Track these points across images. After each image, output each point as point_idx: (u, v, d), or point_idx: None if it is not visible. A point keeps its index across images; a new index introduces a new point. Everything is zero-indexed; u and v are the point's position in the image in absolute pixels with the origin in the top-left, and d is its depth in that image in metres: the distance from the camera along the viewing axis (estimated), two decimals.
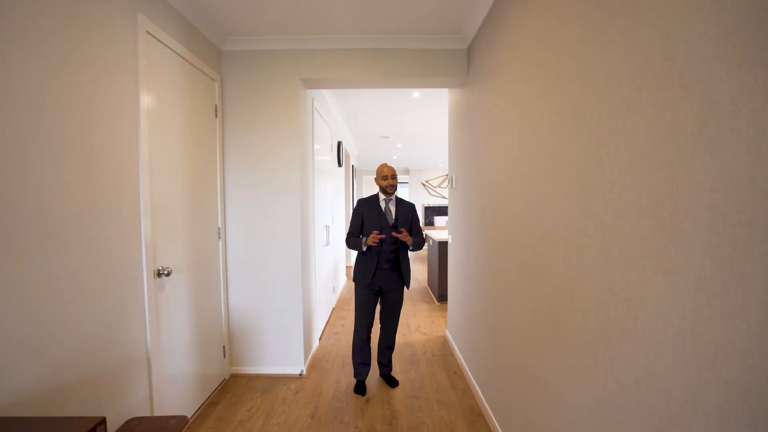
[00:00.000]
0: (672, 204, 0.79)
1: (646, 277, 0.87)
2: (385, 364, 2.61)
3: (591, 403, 1.10)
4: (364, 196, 13.29)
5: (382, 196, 2.54)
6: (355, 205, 2.56)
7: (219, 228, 2.52)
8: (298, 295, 2.65)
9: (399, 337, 3.43)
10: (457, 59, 2.61)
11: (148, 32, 1.73)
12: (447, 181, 13.40)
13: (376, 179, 2.54)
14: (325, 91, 3.80)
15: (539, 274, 1.47)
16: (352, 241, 2.51)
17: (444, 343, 3.27)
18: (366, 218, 2.49)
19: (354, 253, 8.08)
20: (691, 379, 0.75)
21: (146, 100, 1.72)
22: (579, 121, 1.17)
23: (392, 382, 2.54)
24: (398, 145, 7.69)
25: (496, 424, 1.97)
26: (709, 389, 0.71)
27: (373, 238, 2.33)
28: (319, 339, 3.36)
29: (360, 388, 2.47)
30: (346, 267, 6.88)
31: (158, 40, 1.83)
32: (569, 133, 1.23)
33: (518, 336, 1.69)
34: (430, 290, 5.10)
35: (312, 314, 3.04)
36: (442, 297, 4.52)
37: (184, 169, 2.09)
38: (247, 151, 2.60)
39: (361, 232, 2.51)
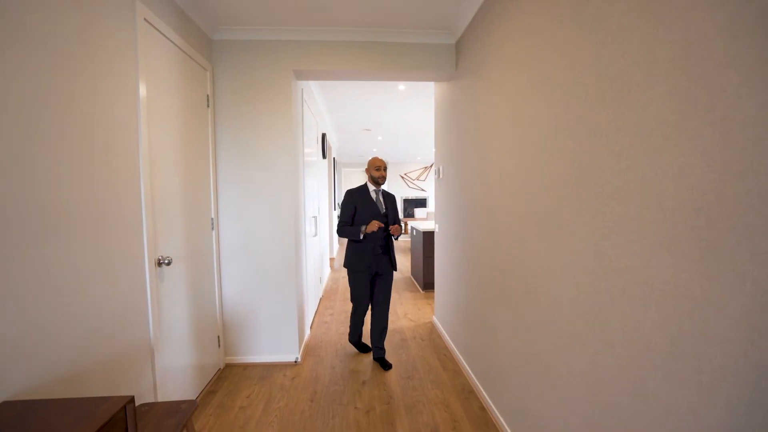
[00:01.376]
0: (657, 185, 0.92)
1: (634, 250, 1.00)
2: (381, 347, 2.72)
3: (580, 371, 1.24)
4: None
5: (372, 187, 2.72)
6: (343, 195, 2.68)
7: (212, 218, 2.52)
8: (292, 284, 2.69)
9: (390, 324, 3.54)
10: (445, 54, 2.71)
11: (145, 20, 1.72)
12: (426, 173, 13.52)
13: (368, 170, 2.72)
14: (311, 82, 3.80)
15: (532, 256, 1.59)
16: (346, 230, 2.64)
17: (432, 329, 3.41)
18: (359, 207, 2.65)
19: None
20: (672, 333, 0.88)
21: (145, 89, 1.71)
22: (572, 114, 1.29)
23: (386, 366, 2.65)
24: (379, 138, 7.75)
25: (488, 399, 2.11)
26: (689, 340, 0.84)
27: (373, 226, 2.52)
28: (310, 327, 3.41)
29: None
30: (330, 259, 6.92)
31: (155, 27, 1.81)
32: (562, 126, 1.35)
33: (509, 317, 1.82)
34: (414, 279, 5.24)
35: (304, 303, 3.09)
36: (426, 285, 4.66)
37: (180, 159, 2.09)
38: (239, 142, 2.60)
39: (353, 221, 2.63)
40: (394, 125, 6.37)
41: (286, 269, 2.68)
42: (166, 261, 1.83)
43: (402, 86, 4.03)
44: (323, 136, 4.86)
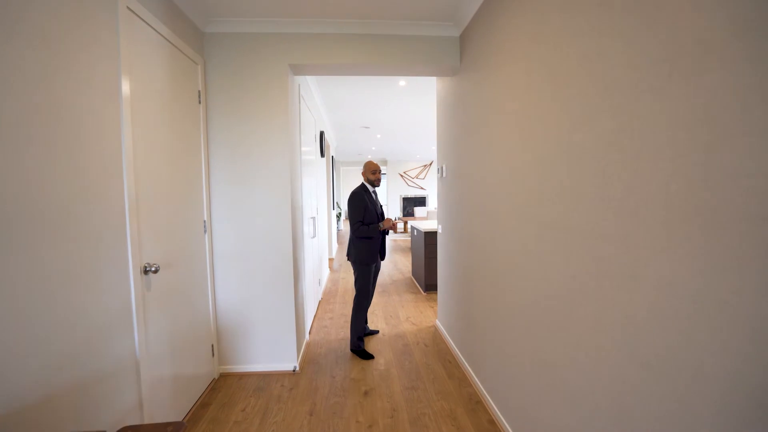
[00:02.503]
0: (684, 184, 0.80)
1: (677, 259, 0.87)
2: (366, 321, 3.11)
3: (603, 385, 1.12)
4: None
5: (370, 188, 2.96)
6: (352, 198, 2.86)
7: (205, 221, 2.39)
8: (290, 289, 2.56)
9: (389, 328, 3.42)
10: (449, 47, 2.58)
11: (128, 8, 1.58)
12: (425, 171, 13.45)
13: (364, 173, 2.96)
14: (309, 79, 3.67)
15: (546, 261, 1.47)
16: (365, 229, 2.82)
17: (435, 333, 3.29)
18: (368, 207, 2.85)
19: (335, 245, 8.01)
20: (672, 296, 0.76)
21: (128, 84, 1.58)
22: (592, 110, 1.16)
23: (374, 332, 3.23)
24: (378, 136, 7.63)
25: (497, 411, 1.99)
26: (683, 301, 0.72)
27: (388, 223, 2.88)
28: (309, 333, 3.29)
29: (367, 354, 2.85)
30: (329, 259, 6.80)
31: (139, 17, 1.68)
32: (581, 123, 1.23)
33: (519, 322, 1.70)
34: (415, 280, 5.12)
35: (303, 308, 2.97)
36: (429, 287, 4.54)
37: (168, 159, 1.96)
38: (233, 141, 2.47)
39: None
40: (394, 123, 6.24)
41: (283, 273, 2.55)
42: (153, 268, 1.70)
43: (402, 82, 3.90)
44: (321, 134, 4.73)
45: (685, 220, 0.85)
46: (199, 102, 2.35)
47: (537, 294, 1.56)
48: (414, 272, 5.19)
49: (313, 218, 3.70)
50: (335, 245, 7.86)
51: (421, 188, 13.35)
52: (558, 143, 1.39)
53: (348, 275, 5.63)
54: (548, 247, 1.46)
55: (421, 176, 13.34)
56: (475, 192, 2.32)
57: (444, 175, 3.09)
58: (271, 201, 2.51)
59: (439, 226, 3.30)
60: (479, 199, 2.25)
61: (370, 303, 2.99)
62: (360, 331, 2.92)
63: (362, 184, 2.94)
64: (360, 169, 14.62)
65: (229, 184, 2.48)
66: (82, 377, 1.30)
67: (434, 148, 9.73)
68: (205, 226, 2.39)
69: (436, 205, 12.98)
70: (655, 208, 0.94)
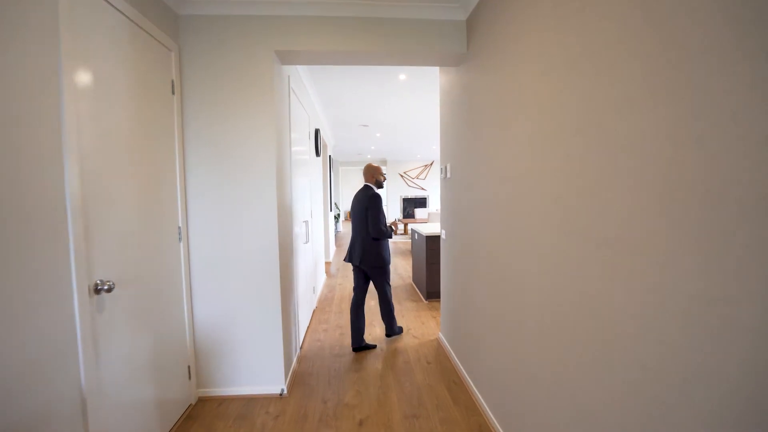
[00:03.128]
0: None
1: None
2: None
3: (631, 410, 0.85)
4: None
5: (377, 190, 3.06)
6: (374, 199, 2.93)
7: (179, 227, 2.12)
8: (276, 303, 2.29)
9: (388, 341, 3.15)
10: (454, 32, 2.31)
11: None
12: (426, 171, 13.22)
13: (373, 175, 3.07)
14: (301, 72, 3.40)
15: (572, 275, 1.20)
16: (389, 231, 2.98)
17: (438, 348, 3.02)
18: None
19: (333, 248, 7.74)
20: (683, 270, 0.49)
21: (74, 70, 1.31)
22: (642, 99, 0.89)
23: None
24: (377, 135, 7.36)
25: None
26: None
27: (394, 223, 3.00)
28: (300, 347, 3.02)
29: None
30: (326, 263, 6.53)
31: None
32: (626, 113, 0.96)
33: (540, 343, 1.43)
34: (416, 287, 4.84)
35: (292, 322, 2.70)
36: (430, 295, 4.27)
37: (133, 157, 1.69)
38: (213, 136, 2.19)
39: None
40: (394, 120, 5.97)
41: (269, 284, 2.28)
42: (106, 287, 1.43)
43: (402, 75, 3.63)
44: (317, 132, 4.46)
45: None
46: (173, 93, 2.07)
47: (560, 311, 1.29)
48: (415, 278, 4.91)
49: (306, 222, 3.43)
50: (333, 248, 7.59)
51: (422, 189, 13.09)
52: (589, 137, 1.12)
53: (345, 281, 5.36)
54: (578, 260, 1.19)
55: (422, 176, 13.08)
56: (483, 194, 2.05)
57: (448, 175, 2.82)
58: (257, 205, 2.24)
59: (443, 232, 3.03)
60: (487, 202, 1.98)
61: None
62: (392, 319, 3.13)
63: (370, 186, 3.03)
64: (358, 168, 14.36)
65: (208, 186, 2.21)
66: (8, 426, 1.03)
67: (435, 147, 9.46)
68: (180, 233, 2.12)
69: (437, 207, 12.72)
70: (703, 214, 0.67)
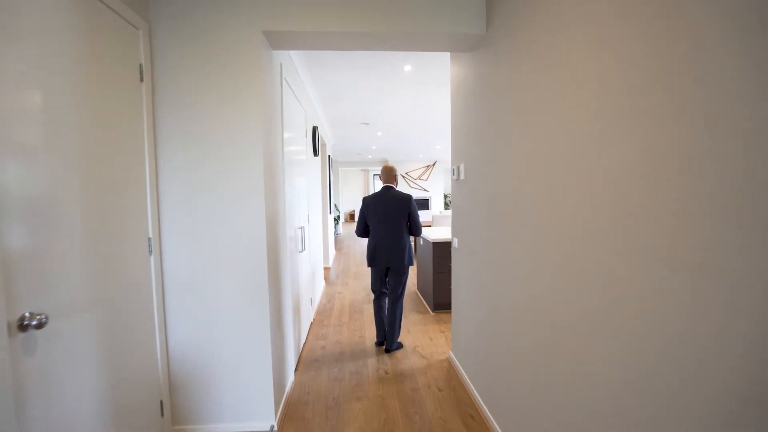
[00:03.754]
0: None
1: None
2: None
3: None
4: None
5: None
6: (413, 202, 2.96)
7: (150, 239, 1.80)
8: (266, 324, 1.97)
9: (393, 362, 2.83)
10: (470, 10, 1.98)
11: None
12: (428, 172, 12.91)
13: (396, 177, 3.05)
14: (297, 62, 3.08)
15: (634, 309, 0.88)
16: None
17: (449, 370, 2.69)
18: None
19: (333, 251, 7.41)
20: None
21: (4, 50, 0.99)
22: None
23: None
24: (379, 133, 7.05)
25: None
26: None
27: None
28: (295, 371, 2.70)
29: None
30: (325, 269, 6.21)
31: None
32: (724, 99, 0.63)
33: (587, 376, 1.10)
34: (421, 297, 4.52)
35: (285, 344, 2.38)
36: (438, 306, 3.94)
37: (89, 155, 1.37)
38: (190, 131, 1.87)
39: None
40: (397, 118, 5.64)
41: (259, 303, 1.96)
42: (36, 321, 1.11)
43: (408, 66, 3.31)
44: (314, 129, 4.14)
45: None
46: (141, 79, 1.75)
47: (632, 364, 0.96)
48: (420, 287, 4.59)
49: (302, 228, 3.10)
50: (332, 252, 7.26)
51: (425, 190, 12.78)
52: (682, 126, 0.79)
53: (345, 289, 5.03)
54: (642, 288, 0.87)
55: (424, 177, 12.77)
56: (506, 199, 1.72)
57: (461, 177, 2.50)
58: (242, 211, 1.92)
59: (455, 240, 2.70)
60: (512, 208, 1.66)
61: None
62: (399, 330, 3.08)
63: (391, 186, 3.00)
64: (358, 169, 14.03)
65: (185, 191, 1.89)
66: None
67: (439, 147, 9.14)
68: (150, 246, 1.80)
69: (441, 209, 12.41)
70: None
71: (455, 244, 2.71)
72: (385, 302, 3.03)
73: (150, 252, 1.80)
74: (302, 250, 3.10)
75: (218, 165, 1.89)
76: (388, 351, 2.98)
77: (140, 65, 1.75)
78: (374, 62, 3.24)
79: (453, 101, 2.67)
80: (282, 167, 2.40)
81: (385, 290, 3.03)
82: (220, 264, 1.92)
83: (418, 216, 2.96)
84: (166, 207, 1.88)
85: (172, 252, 1.90)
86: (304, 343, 3.19)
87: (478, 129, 2.17)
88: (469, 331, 2.41)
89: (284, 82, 2.47)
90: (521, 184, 1.63)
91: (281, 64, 2.41)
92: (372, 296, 4.43)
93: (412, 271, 5.98)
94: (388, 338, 2.98)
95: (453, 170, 2.68)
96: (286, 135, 2.53)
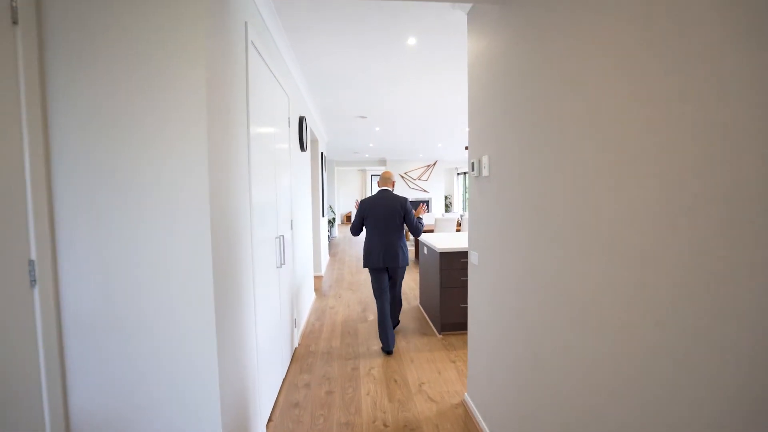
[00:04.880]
0: None
1: None
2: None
3: None
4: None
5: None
6: (406, 201, 3.08)
7: (32, 262, 1.20)
8: (213, 374, 1.37)
9: (394, 408, 2.24)
10: None
11: None
12: (428, 172, 12.35)
13: (394, 181, 3.22)
14: (275, 34, 2.48)
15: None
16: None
17: (466, 419, 2.10)
18: None
19: (326, 257, 6.82)
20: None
21: None
22: None
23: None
24: (376, 129, 6.46)
25: None
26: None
27: None
28: (268, 422, 2.10)
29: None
30: (316, 278, 5.61)
31: None
32: None
33: None
34: (425, 313, 3.92)
35: (249, 394, 1.78)
36: (446, 327, 3.36)
37: None
38: (99, 100, 1.28)
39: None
40: (397, 110, 5.05)
41: (203, 346, 1.36)
42: None
43: (412, 39, 2.72)
44: (301, 120, 3.55)
45: None
46: (14, 21, 1.16)
47: None
48: (424, 303, 3.99)
49: (281, 238, 2.50)
50: (326, 258, 6.66)
51: (424, 191, 12.21)
52: None
53: (338, 303, 4.44)
54: None
55: (424, 177, 12.20)
56: (578, 210, 1.14)
57: (485, 173, 1.91)
58: (177, 224, 1.32)
59: (474, 255, 2.12)
60: (588, 225, 1.07)
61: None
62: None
63: (388, 189, 3.15)
64: (356, 169, 13.49)
65: (93, 191, 1.29)
66: None
67: (441, 144, 8.56)
68: (33, 273, 1.20)
69: (443, 212, 11.82)
70: None
71: (474, 259, 2.12)
72: (388, 304, 3.05)
73: (33, 282, 1.20)
74: (281, 265, 2.50)
75: (140, 155, 1.29)
76: (388, 351, 3.02)
77: (12, 4, 1.15)
78: (371, 37, 2.65)
79: (471, 78, 2.09)
80: (248, 161, 1.81)
81: (385, 287, 3.08)
82: (144, 293, 1.32)
83: (414, 217, 3.07)
84: (64, 216, 1.28)
85: (74, 280, 1.30)
86: (284, 380, 2.59)
87: (510, 110, 1.59)
88: (494, 372, 1.82)
89: (251, 48, 1.88)
90: (591, 184, 1.05)
91: (246, 23, 1.82)
92: (366, 301, 3.86)
93: (409, 278, 5.38)
94: (390, 338, 3.01)
95: (472, 165, 2.09)
96: (256, 119, 1.94)
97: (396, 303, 3.32)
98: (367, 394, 2.38)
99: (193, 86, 1.29)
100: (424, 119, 5.64)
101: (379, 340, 3.20)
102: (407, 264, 3.11)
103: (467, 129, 6.82)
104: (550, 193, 1.29)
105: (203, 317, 1.35)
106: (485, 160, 1.89)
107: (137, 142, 1.29)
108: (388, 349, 2.99)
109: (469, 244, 2.21)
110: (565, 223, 1.21)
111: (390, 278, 3.17)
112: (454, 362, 2.82)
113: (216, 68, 1.40)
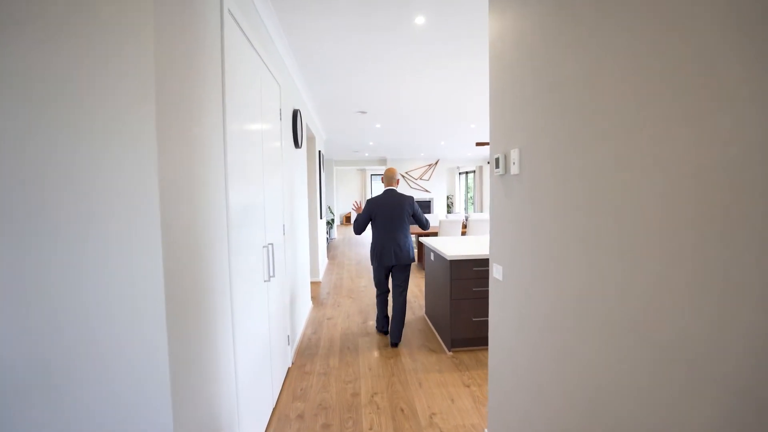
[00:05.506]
0: None
1: None
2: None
3: None
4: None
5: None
6: (412, 200, 3.22)
7: None
8: (166, 416, 1.04)
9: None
10: None
11: None
12: (430, 172, 12.05)
13: (398, 180, 3.34)
14: (264, 18, 2.15)
15: None
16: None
17: None
18: None
19: (325, 260, 6.49)
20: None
21: None
22: None
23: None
24: (377, 125, 6.13)
25: None
26: None
27: None
28: None
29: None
30: (313, 284, 5.28)
31: None
32: None
33: None
34: (432, 326, 3.59)
35: None
36: (457, 343, 3.03)
37: None
38: (20, 70, 0.95)
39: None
40: (398, 103, 4.72)
41: (152, 404, 1.03)
42: None
43: (420, 17, 2.39)
44: (295, 113, 3.22)
45: None
46: None
47: None
48: (431, 313, 3.66)
49: (269, 247, 2.17)
50: (324, 262, 6.33)
51: (426, 191, 11.89)
52: None
53: (337, 313, 4.10)
54: None
55: (425, 177, 11.88)
56: (646, 221, 0.81)
57: (514, 170, 1.58)
58: (122, 238, 0.99)
59: (497, 268, 1.78)
60: (660, 238, 0.74)
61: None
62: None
63: (393, 189, 3.22)
64: (356, 168, 13.18)
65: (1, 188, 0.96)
66: None
67: (444, 142, 8.23)
68: None
69: (447, 214, 11.49)
70: None
71: (497, 273, 1.78)
72: (389, 297, 3.19)
73: None
74: (270, 278, 2.16)
75: (64, 147, 0.96)
76: (395, 345, 3.13)
77: None
78: (374, 17, 2.32)
79: (492, 60, 1.75)
80: (224, 157, 1.48)
81: (388, 288, 3.32)
82: (76, 341, 0.99)
83: (422, 214, 3.24)
84: None
85: None
86: (274, 409, 2.26)
87: (555, 88, 1.25)
88: (526, 412, 1.49)
89: (228, 17, 1.54)
90: (663, 189, 0.72)
91: None
92: (367, 310, 3.54)
93: (413, 285, 5.05)
94: (394, 333, 3.13)
95: (495, 160, 1.76)
96: (234, 108, 1.61)
97: (402, 304, 3.20)
98: (370, 429, 2.05)
99: (150, 82, 0.96)
100: (429, 113, 5.31)
101: (382, 334, 3.39)
102: (414, 260, 3.26)
103: (472, 126, 6.48)
104: (617, 197, 0.96)
105: (151, 344, 1.01)
106: (514, 154, 1.56)
107: (98, 119, 0.95)
108: (384, 329, 3.33)
109: (490, 255, 1.87)
110: (638, 234, 0.87)
111: (399, 274, 3.21)
112: (468, 386, 2.48)
113: (172, 41, 1.06)
